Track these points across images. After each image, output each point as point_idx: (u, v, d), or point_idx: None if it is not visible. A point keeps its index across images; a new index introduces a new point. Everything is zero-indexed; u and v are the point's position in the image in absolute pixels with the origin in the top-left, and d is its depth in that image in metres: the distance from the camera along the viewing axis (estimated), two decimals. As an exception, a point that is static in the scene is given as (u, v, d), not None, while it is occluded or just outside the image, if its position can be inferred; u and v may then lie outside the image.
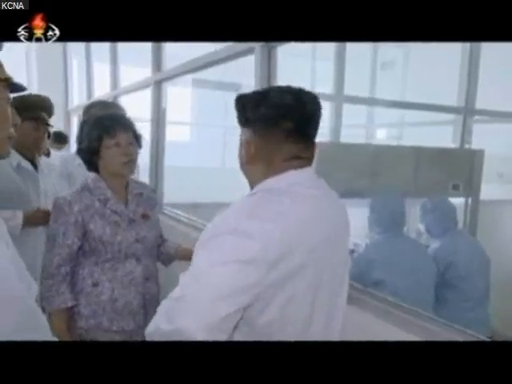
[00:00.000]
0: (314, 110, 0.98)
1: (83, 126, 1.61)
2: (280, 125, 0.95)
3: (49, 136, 3.05)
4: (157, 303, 1.66)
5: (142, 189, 1.69)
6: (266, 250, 0.85)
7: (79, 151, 1.60)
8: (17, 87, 0.91)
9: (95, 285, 1.54)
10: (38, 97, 2.04)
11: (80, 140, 1.59)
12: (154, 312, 1.60)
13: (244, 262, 0.84)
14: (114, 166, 1.54)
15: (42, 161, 2.12)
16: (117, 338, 1.55)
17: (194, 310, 0.83)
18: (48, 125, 2.06)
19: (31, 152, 2.01)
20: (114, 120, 1.57)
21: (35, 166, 2.04)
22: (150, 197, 1.70)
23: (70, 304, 1.50)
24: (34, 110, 1.96)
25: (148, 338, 0.90)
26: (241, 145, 1.03)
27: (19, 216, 1.86)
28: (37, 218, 1.93)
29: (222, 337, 0.85)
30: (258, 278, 0.85)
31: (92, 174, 1.59)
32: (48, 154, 3.35)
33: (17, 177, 1.86)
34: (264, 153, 0.97)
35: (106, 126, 1.53)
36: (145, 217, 1.63)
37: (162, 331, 0.85)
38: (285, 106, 0.95)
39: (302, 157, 0.98)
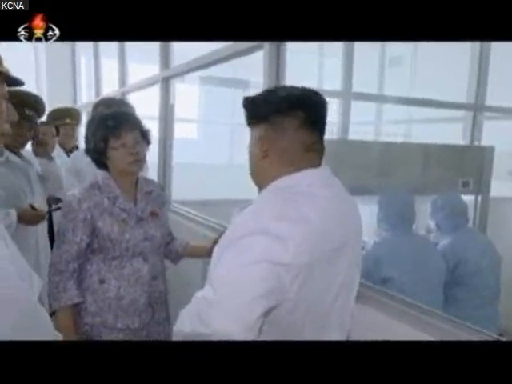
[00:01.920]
0: (321, 101, 1.01)
1: (89, 125, 1.60)
2: (292, 114, 0.97)
3: (57, 133, 3.06)
4: (164, 302, 1.67)
5: (151, 186, 1.69)
6: (296, 254, 0.85)
7: (87, 151, 1.61)
8: (13, 81, 0.90)
9: (102, 282, 1.54)
10: (24, 93, 2.00)
11: (87, 140, 1.59)
12: (161, 310, 1.63)
13: (276, 264, 0.84)
14: (121, 165, 1.54)
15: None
16: (121, 335, 1.55)
17: (230, 311, 0.83)
18: (32, 121, 2.05)
19: (14, 147, 2.02)
20: (119, 119, 1.54)
21: (20, 158, 2.05)
22: (159, 194, 1.71)
23: (76, 300, 1.51)
24: (17, 106, 1.96)
25: (178, 338, 0.89)
26: (252, 145, 1.03)
27: (13, 214, 1.85)
28: (28, 217, 1.92)
29: (256, 336, 0.85)
30: (289, 280, 0.86)
31: (102, 172, 1.59)
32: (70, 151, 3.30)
33: (8, 173, 1.87)
34: (279, 145, 0.98)
35: (110, 127, 1.51)
36: (154, 215, 1.63)
37: (200, 334, 0.84)
38: (293, 96, 0.99)
39: (315, 149, 1.00)
